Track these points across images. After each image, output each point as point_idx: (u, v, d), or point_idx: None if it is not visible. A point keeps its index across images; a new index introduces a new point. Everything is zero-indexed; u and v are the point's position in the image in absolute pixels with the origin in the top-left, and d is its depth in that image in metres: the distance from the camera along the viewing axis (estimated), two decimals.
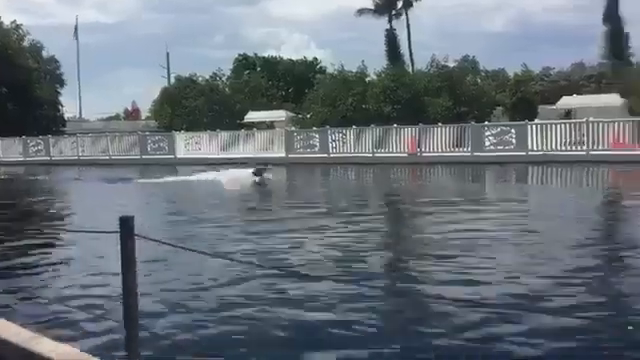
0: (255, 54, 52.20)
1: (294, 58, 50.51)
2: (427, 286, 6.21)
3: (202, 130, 33.01)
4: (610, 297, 5.72)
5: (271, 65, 49.40)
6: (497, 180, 20.35)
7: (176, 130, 34.28)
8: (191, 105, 40.01)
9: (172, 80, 47.44)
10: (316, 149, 28.20)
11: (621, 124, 23.18)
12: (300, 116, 36.37)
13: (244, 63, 50.88)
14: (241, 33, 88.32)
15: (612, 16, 43.39)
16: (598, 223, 10.25)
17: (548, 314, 5.11)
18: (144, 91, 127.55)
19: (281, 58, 51.15)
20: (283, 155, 28.48)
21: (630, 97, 29.13)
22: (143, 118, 58.59)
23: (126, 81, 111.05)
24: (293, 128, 32.25)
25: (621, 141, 22.53)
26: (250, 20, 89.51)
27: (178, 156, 31.34)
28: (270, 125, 35.67)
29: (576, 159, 21.92)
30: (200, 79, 43.45)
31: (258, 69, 49.44)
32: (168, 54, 56.46)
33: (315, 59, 50.47)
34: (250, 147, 30.08)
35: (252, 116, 37.00)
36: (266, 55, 51.78)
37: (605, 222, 10.71)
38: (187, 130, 34.45)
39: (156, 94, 45.67)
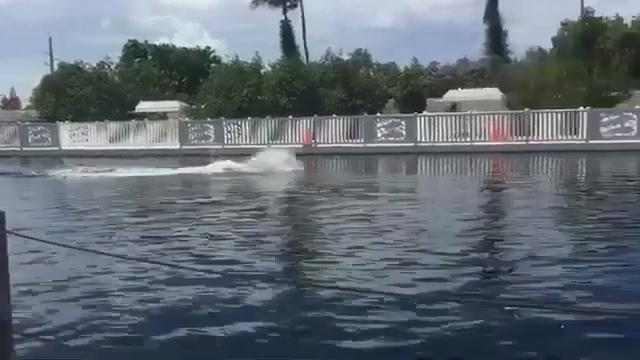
0: (146, 41, 50.29)
1: (187, 47, 49.19)
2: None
3: (90, 120, 31.49)
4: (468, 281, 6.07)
5: (163, 53, 47.84)
6: (387, 171, 21.05)
7: (61, 120, 32.42)
8: (77, 94, 37.90)
9: (55, 67, 44.67)
10: (211, 140, 27.82)
11: (500, 117, 24.84)
12: (194, 106, 35.59)
13: (134, 51, 48.85)
14: (130, 19, 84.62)
15: (492, 14, 46.13)
16: (474, 210, 10.87)
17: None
18: (24, 79, 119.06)
19: (174, 46, 49.67)
20: (177, 147, 27.84)
21: (508, 91, 31.16)
22: (23, 107, 54.70)
23: (3, 68, 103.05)
24: (187, 119, 31.56)
25: (500, 133, 24.15)
26: (139, 6, 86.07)
27: (63, 147, 29.75)
28: (163, 116, 34.64)
29: (461, 150, 23.25)
30: (87, 67, 41.25)
31: (149, 57, 47.69)
32: (51, 39, 52.89)
33: (209, 48, 49.47)
34: (142, 138, 29.13)
35: (144, 106, 35.71)
36: (158, 43, 50.07)
37: (481, 209, 11.43)
38: (73, 120, 32.68)
39: (37, 82, 42.83)
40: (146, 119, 31.42)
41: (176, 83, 44.65)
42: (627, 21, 36.24)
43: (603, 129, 22.68)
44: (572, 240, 8.03)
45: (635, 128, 22.29)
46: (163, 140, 28.84)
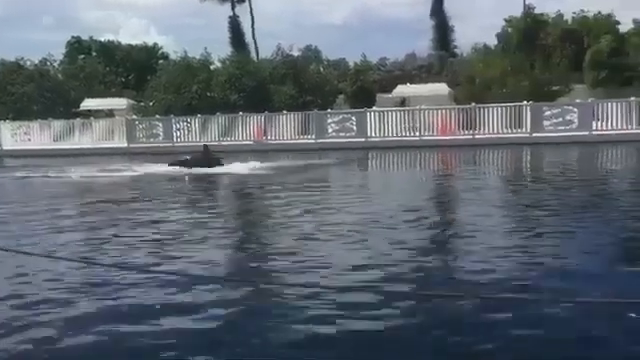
0: (91, 37, 48.99)
1: (133, 43, 48.16)
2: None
3: (32, 119, 30.47)
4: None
5: (108, 50, 46.69)
6: (337, 165, 21.07)
7: (1, 119, 31.25)
8: (18, 92, 36.62)
9: None
10: (160, 138, 27.37)
11: (448, 111, 25.35)
12: (142, 104, 34.91)
13: (78, 47, 47.51)
14: (73, 15, 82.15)
15: (438, 11, 46.99)
16: (417, 202, 11.04)
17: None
18: None
19: (119, 43, 48.54)
20: (124, 145, 27.26)
21: (455, 86, 31.85)
22: None
23: None
24: (135, 116, 30.93)
25: (448, 127, 24.65)
26: (82, 1, 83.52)
27: (4, 147, 28.76)
28: (109, 113, 33.83)
29: (410, 144, 23.59)
30: (28, 63, 39.88)
31: (94, 54, 46.48)
32: None
33: (156, 44, 48.60)
34: (87, 137, 28.37)
35: (89, 104, 34.78)
36: (103, 39, 48.81)
37: (425, 201, 11.63)
38: (14, 119, 31.59)
39: None
40: (92, 117, 30.62)
41: (123, 80, 43.70)
42: (567, 17, 37.56)
43: (546, 122, 23.43)
44: (508, 227, 8.32)
45: (576, 121, 23.12)
46: (110, 139, 28.17)
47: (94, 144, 27.56)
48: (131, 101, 35.66)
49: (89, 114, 32.04)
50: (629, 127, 22.71)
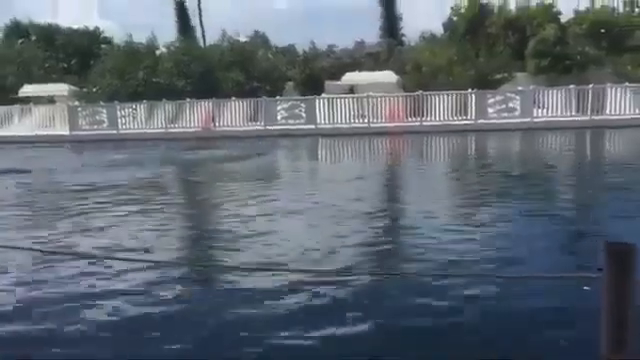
0: (30, 21, 46.95)
1: (75, 27, 46.34)
2: None
3: None
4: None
5: (48, 34, 44.89)
6: (287, 152, 21.06)
7: None
8: None
9: None
10: (104, 125, 26.64)
11: (396, 99, 25.62)
12: (85, 90, 33.81)
13: (16, 31, 45.52)
14: None
15: None
16: (364, 189, 11.28)
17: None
18: None
19: (59, 27, 46.66)
20: (66, 132, 26.41)
21: (403, 74, 32.19)
22: None
23: None
24: (77, 103, 29.97)
25: (396, 114, 24.94)
26: None
27: None
28: (50, 100, 32.66)
29: (359, 132, 23.77)
30: None
31: (33, 38, 44.62)
32: None
33: (97, 28, 46.87)
34: (27, 124, 27.34)
35: (28, 90, 33.46)
36: (42, 23, 46.82)
37: (372, 187, 11.86)
38: None
39: None
40: (31, 103, 29.48)
41: (65, 65, 42.15)
42: (512, 6, 38.36)
43: (490, 110, 24.01)
44: (448, 210, 8.72)
45: (518, 108, 23.78)
46: (51, 126, 27.22)
47: (34, 131, 26.59)
48: (73, 87, 34.49)
49: (28, 100, 30.83)
50: (568, 114, 23.53)
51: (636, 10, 36.00)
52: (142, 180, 13.28)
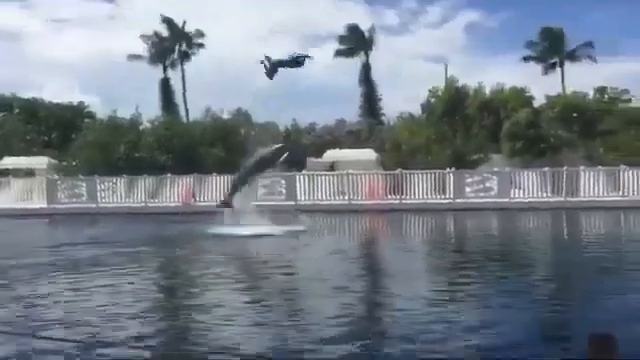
0: (13, 94, 47.39)
1: (58, 101, 46.82)
2: None
3: None
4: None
5: (31, 107, 45.25)
6: None
7: None
8: None
9: None
10: (83, 199, 26.43)
11: (376, 176, 25.98)
12: (64, 163, 33.76)
13: None
14: None
15: (366, 79, 48.99)
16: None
17: None
18: None
19: (43, 100, 47.11)
20: (44, 205, 26.11)
21: (382, 152, 32.81)
22: None
23: None
24: (56, 176, 29.83)
25: (376, 192, 25.20)
26: (4, 57, 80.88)
27: None
28: (30, 172, 32.49)
29: (339, 208, 23.87)
30: None
31: (16, 111, 44.91)
32: None
33: (82, 103, 47.42)
34: (4, 197, 27.03)
35: (8, 162, 33.39)
36: (26, 96, 47.27)
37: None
38: None
39: None
40: (10, 175, 29.27)
41: (46, 139, 42.29)
42: (487, 90, 39.75)
43: (468, 189, 24.41)
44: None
45: (495, 188, 24.22)
46: (29, 198, 26.95)
47: (12, 204, 26.27)
48: (53, 160, 34.49)
49: (7, 172, 30.66)
50: (544, 195, 24.01)
51: (605, 96, 37.64)
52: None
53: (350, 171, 25.93)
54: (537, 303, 8.01)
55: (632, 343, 4.84)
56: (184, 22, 48.33)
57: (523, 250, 13.92)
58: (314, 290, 8.95)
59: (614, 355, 2.89)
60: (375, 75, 48.81)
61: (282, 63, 16.42)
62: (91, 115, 44.17)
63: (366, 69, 48.62)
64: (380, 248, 14.70)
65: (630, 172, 23.62)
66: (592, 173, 24.14)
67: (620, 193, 23.37)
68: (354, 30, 48.51)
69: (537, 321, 7.20)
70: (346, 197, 25.12)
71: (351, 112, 48.25)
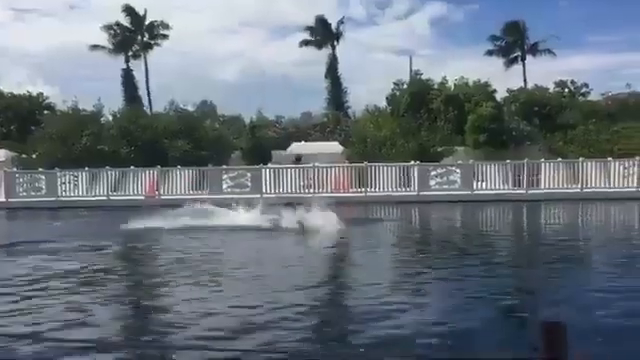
0: None
1: (16, 92, 45.47)
2: None
3: None
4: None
5: None
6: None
7: None
8: None
9: None
10: (43, 192, 25.82)
11: (341, 169, 26.06)
12: (24, 156, 32.88)
13: None
14: None
15: (332, 72, 49.04)
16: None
17: None
18: None
19: (1, 92, 45.72)
20: (2, 199, 25.44)
21: (348, 145, 32.92)
22: None
23: None
24: (15, 169, 29.06)
25: (342, 184, 25.29)
26: None
27: None
28: None
29: (305, 201, 23.83)
30: None
31: None
32: None
33: (41, 94, 46.15)
34: None
35: None
36: None
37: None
38: None
39: None
40: None
41: (4, 131, 41.09)
42: (450, 84, 40.23)
43: (432, 182, 24.69)
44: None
45: (459, 181, 24.56)
46: None
47: None
48: (12, 153, 33.54)
49: None
50: (505, 187, 24.45)
51: (566, 90, 38.52)
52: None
53: (316, 164, 25.94)
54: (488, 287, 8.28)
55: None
56: (145, 11, 47.50)
57: (483, 239, 14.18)
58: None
59: (564, 343, 2.94)
60: (342, 68, 48.95)
61: None
62: (50, 107, 43.08)
63: (333, 62, 48.66)
64: (338, 241, 14.67)
65: (588, 164, 24.26)
66: (552, 165, 24.70)
67: (579, 185, 23.96)
68: (322, 23, 48.48)
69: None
70: (312, 190, 25.12)
71: (317, 105, 48.36)
